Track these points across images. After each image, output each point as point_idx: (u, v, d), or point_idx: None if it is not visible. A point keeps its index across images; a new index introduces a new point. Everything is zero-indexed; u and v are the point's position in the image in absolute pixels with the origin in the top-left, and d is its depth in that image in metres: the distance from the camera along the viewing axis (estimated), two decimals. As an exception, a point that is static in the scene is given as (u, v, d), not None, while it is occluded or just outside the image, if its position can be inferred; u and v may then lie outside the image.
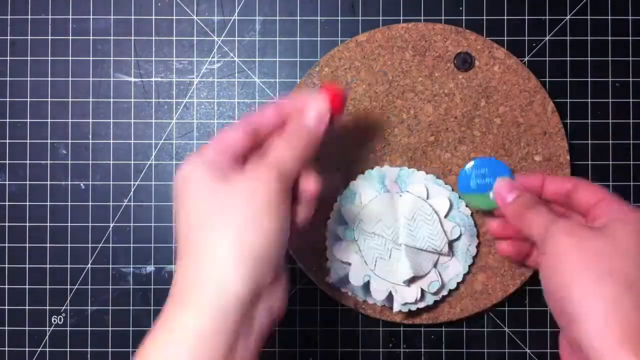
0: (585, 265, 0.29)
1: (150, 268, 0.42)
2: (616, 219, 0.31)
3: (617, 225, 0.30)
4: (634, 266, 0.28)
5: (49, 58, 0.43)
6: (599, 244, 0.29)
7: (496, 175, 0.38)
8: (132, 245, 0.42)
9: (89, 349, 0.42)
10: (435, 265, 0.39)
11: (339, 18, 0.43)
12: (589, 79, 0.42)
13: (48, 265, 0.42)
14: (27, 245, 0.43)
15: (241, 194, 0.29)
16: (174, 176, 0.31)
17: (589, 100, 0.42)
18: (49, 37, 0.43)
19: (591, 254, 0.29)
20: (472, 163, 0.38)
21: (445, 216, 0.39)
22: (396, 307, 0.39)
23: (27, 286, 0.43)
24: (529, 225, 0.33)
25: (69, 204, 0.42)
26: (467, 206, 0.40)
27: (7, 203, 0.43)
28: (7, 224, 0.43)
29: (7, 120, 0.43)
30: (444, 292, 0.40)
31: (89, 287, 0.43)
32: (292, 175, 0.31)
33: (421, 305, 0.39)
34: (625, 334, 0.27)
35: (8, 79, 0.43)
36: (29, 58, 0.43)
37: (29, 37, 0.43)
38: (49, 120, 0.43)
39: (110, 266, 0.43)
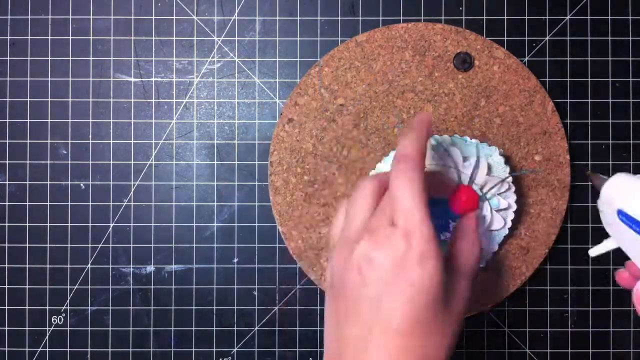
0: None
1: (150, 268, 0.43)
2: None
3: None
4: None
5: (49, 58, 0.43)
6: None
7: (449, 216, 0.36)
8: (132, 245, 0.42)
9: (89, 349, 0.42)
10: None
11: (339, 18, 0.43)
12: (589, 79, 0.42)
13: (48, 265, 0.42)
14: (27, 245, 0.43)
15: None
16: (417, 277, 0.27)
17: (589, 100, 0.42)
18: (49, 37, 0.43)
19: None
20: None
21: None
22: None
23: (27, 286, 0.43)
24: None
25: (69, 204, 0.43)
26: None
27: (7, 203, 0.43)
28: (7, 224, 0.43)
29: (7, 120, 0.43)
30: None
31: (89, 287, 0.43)
32: None
33: None
34: None
35: (8, 79, 0.43)
36: (29, 58, 0.43)
37: (29, 37, 0.43)
38: (49, 120, 0.43)
39: (110, 266, 0.43)
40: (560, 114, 0.41)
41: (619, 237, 0.30)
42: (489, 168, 0.38)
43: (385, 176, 0.31)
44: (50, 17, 0.43)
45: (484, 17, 0.42)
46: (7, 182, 0.43)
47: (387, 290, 0.27)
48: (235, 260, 0.42)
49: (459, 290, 0.30)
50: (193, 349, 0.42)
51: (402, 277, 0.27)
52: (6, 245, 0.43)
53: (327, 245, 0.32)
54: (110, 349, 0.42)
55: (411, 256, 0.27)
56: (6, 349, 0.42)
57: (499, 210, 0.39)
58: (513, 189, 0.39)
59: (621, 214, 0.28)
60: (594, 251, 0.33)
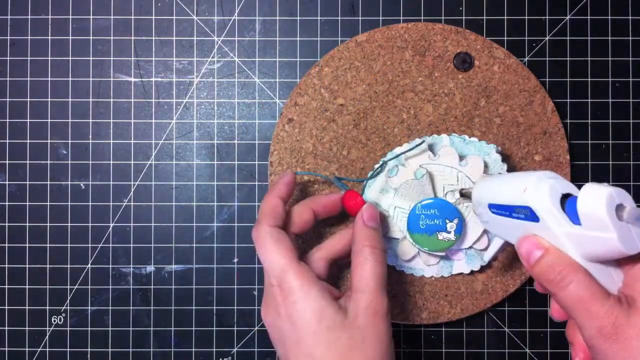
0: None
1: (150, 268, 0.42)
2: None
3: None
4: None
5: (49, 58, 0.43)
6: None
7: (445, 216, 0.37)
8: (132, 245, 0.42)
9: (89, 349, 0.42)
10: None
11: (339, 18, 0.43)
12: (589, 79, 0.42)
13: (48, 265, 0.42)
14: (27, 245, 0.43)
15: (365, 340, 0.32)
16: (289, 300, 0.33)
17: (589, 100, 0.42)
18: (49, 37, 0.43)
19: None
20: (422, 203, 0.38)
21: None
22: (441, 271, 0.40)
23: (27, 286, 0.43)
24: (569, 307, 0.27)
25: (69, 204, 0.42)
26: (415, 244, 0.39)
27: (7, 203, 0.43)
28: (7, 224, 0.43)
29: (7, 120, 0.43)
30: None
31: (89, 287, 0.43)
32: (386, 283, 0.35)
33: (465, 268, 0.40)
34: None
35: (8, 79, 0.43)
36: (29, 58, 0.43)
37: (29, 37, 0.43)
38: (49, 120, 0.43)
39: (110, 266, 0.43)
40: (560, 114, 0.41)
41: (498, 229, 0.33)
42: (486, 166, 0.38)
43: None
44: (50, 17, 0.43)
45: (484, 17, 0.42)
46: (7, 182, 0.43)
47: (289, 342, 0.33)
48: (235, 260, 0.42)
49: (358, 304, 0.33)
50: (193, 349, 0.42)
51: (285, 323, 0.32)
52: (6, 245, 0.43)
53: None
54: (110, 349, 0.42)
55: (284, 303, 0.32)
56: (6, 349, 0.42)
57: None
58: None
59: (491, 207, 0.32)
60: (487, 256, 0.36)
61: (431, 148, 0.39)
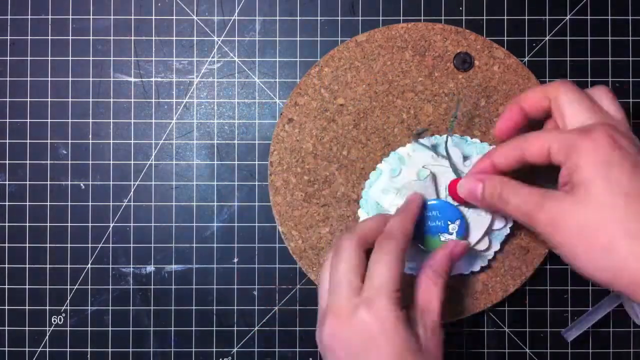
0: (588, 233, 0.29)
1: (150, 268, 0.43)
2: (574, 168, 0.29)
3: (584, 178, 0.29)
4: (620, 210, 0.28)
5: (49, 58, 0.43)
6: (581, 214, 0.29)
7: (447, 218, 0.37)
8: (132, 245, 0.42)
9: (89, 349, 0.42)
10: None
11: (339, 18, 0.43)
12: (589, 79, 0.42)
13: (48, 265, 0.42)
14: (27, 245, 0.43)
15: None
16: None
17: (589, 100, 0.42)
18: (49, 37, 0.43)
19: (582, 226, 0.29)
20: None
21: None
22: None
23: (27, 286, 0.43)
24: (513, 214, 0.32)
25: (69, 204, 0.43)
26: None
27: (7, 203, 0.43)
28: (7, 224, 0.43)
29: (7, 120, 0.43)
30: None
31: (89, 287, 0.43)
32: None
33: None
34: None
35: (8, 79, 0.43)
36: (29, 58, 0.43)
37: (29, 37, 0.43)
38: (49, 120, 0.43)
39: (110, 266, 0.43)
40: (560, 114, 0.41)
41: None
42: None
43: (365, 230, 0.34)
44: (50, 17, 0.43)
45: (484, 17, 0.42)
46: (7, 182, 0.43)
47: None
48: (235, 260, 0.42)
49: (429, 330, 0.32)
50: (193, 349, 0.42)
51: (370, 345, 0.30)
52: (6, 245, 0.43)
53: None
54: (110, 349, 0.42)
55: (374, 325, 0.30)
56: (6, 349, 0.42)
57: None
58: None
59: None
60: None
61: (434, 148, 0.39)
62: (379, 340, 0.30)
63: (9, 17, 0.43)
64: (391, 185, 0.39)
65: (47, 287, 0.43)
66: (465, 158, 0.38)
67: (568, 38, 0.42)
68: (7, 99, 0.43)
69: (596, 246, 0.28)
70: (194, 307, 0.42)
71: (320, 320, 0.32)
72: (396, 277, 0.31)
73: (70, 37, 0.43)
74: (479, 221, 0.38)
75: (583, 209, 0.29)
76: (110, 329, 0.43)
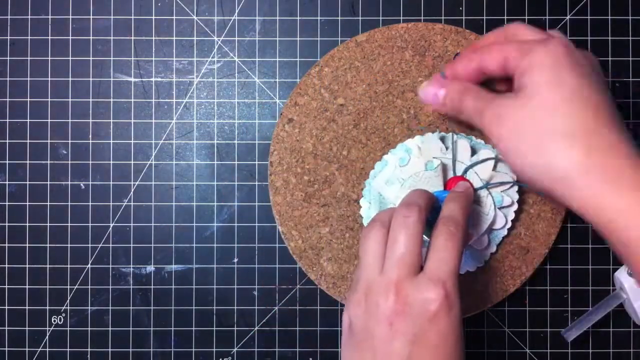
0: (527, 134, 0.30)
1: (150, 268, 0.43)
2: (523, 73, 0.30)
3: (530, 81, 0.30)
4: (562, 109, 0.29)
5: (49, 58, 0.43)
6: (525, 112, 0.30)
7: (435, 211, 0.36)
8: (132, 245, 0.42)
9: (89, 349, 0.42)
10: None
11: (339, 18, 0.43)
12: (589, 79, 0.42)
13: (48, 265, 0.42)
14: (27, 245, 0.43)
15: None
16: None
17: (589, 100, 0.42)
18: (49, 37, 0.43)
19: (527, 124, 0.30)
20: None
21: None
22: None
23: (27, 286, 0.43)
24: (469, 115, 0.33)
25: (69, 204, 0.43)
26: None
27: (7, 203, 0.43)
28: (7, 224, 0.43)
29: (7, 120, 0.43)
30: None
31: (89, 287, 0.43)
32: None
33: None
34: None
35: (8, 79, 0.43)
36: (29, 58, 0.43)
37: (29, 37, 0.43)
38: (49, 120, 0.43)
39: (110, 266, 0.43)
40: (560, 114, 0.41)
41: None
42: (496, 164, 0.38)
43: (387, 216, 0.33)
44: (50, 17, 0.43)
45: (484, 17, 0.42)
46: (7, 182, 0.43)
47: (417, 342, 0.29)
48: (235, 260, 0.42)
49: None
50: (193, 349, 0.42)
51: (433, 326, 0.29)
52: (6, 245, 0.43)
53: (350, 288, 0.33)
54: (110, 349, 0.42)
55: (442, 305, 0.29)
56: (6, 349, 0.42)
57: (501, 208, 0.39)
58: (516, 187, 0.39)
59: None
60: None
61: (442, 141, 0.39)
62: (441, 328, 0.30)
63: (9, 17, 0.43)
64: (396, 176, 0.39)
65: (47, 287, 0.43)
66: (472, 152, 0.39)
67: (568, 38, 0.42)
68: (7, 99, 0.43)
69: (527, 143, 0.29)
70: (194, 307, 0.42)
71: (356, 295, 0.31)
72: (460, 261, 0.32)
73: (70, 37, 0.43)
74: (480, 218, 0.38)
75: (523, 107, 0.30)
76: (110, 329, 0.43)
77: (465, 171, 0.38)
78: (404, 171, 0.38)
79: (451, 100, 0.34)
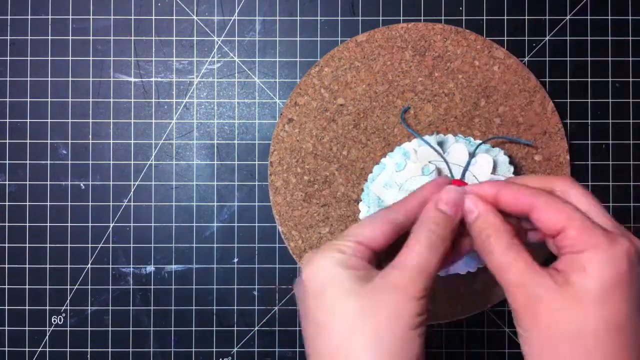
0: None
1: (150, 268, 0.43)
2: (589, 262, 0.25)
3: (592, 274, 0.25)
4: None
5: (49, 58, 0.43)
6: (573, 318, 0.25)
7: None
8: (132, 245, 0.42)
9: (89, 349, 0.42)
10: None
11: (339, 18, 0.43)
12: (589, 79, 0.42)
13: (48, 265, 0.42)
14: (27, 245, 0.43)
15: (380, 307, 0.26)
16: (301, 277, 0.28)
17: (589, 100, 0.42)
18: (49, 37, 0.43)
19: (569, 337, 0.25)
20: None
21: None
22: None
23: (27, 286, 0.43)
24: (494, 268, 0.27)
25: (69, 204, 0.43)
26: None
27: (7, 203, 0.43)
28: (7, 224, 0.43)
29: (7, 120, 0.43)
30: None
31: (89, 287, 0.43)
32: (431, 274, 0.27)
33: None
34: None
35: (8, 79, 0.43)
36: (29, 58, 0.43)
37: (29, 37, 0.43)
38: (49, 120, 0.43)
39: (110, 266, 0.43)
40: (560, 114, 0.41)
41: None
42: (494, 167, 0.38)
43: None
44: (50, 17, 0.43)
45: (484, 17, 0.42)
46: (7, 182, 0.43)
47: None
48: (235, 260, 0.42)
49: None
50: (193, 349, 0.42)
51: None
52: (6, 245, 0.43)
53: None
54: (110, 349, 0.42)
55: None
56: (6, 349, 0.42)
57: None
58: None
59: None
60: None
61: (440, 145, 0.39)
62: None
63: (9, 17, 0.43)
64: (394, 180, 0.39)
65: (47, 287, 0.43)
66: (470, 155, 0.39)
67: (568, 38, 0.42)
68: (7, 99, 0.43)
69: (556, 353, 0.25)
70: (194, 307, 0.42)
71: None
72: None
73: (70, 37, 0.43)
74: None
75: (567, 315, 0.25)
76: (110, 329, 0.43)
77: (463, 174, 0.38)
78: (400, 176, 0.38)
79: (479, 230, 0.28)
